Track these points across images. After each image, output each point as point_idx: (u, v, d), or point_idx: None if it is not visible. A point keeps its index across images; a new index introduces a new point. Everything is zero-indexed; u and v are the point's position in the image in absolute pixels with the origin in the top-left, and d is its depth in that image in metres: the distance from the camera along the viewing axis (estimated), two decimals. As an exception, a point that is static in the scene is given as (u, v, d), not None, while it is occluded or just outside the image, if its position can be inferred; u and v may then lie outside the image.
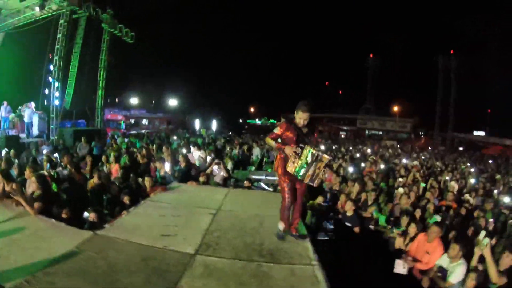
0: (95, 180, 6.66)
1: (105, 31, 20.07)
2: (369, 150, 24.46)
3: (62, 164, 8.37)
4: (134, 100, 43.86)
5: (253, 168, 12.24)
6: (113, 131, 23.57)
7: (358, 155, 18.97)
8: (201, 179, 7.71)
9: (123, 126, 30.36)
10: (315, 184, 4.00)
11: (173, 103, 49.47)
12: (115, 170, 8.56)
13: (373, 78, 57.60)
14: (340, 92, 63.84)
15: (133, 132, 28.03)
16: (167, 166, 8.14)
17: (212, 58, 56.15)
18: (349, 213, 6.40)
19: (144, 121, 41.27)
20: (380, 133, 54.36)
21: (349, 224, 6.27)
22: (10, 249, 3.59)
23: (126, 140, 16.90)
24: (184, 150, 11.32)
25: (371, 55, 57.33)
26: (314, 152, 3.79)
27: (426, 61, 47.86)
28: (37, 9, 15.53)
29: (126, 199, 5.75)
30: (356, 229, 6.18)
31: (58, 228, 4.29)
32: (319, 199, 7.11)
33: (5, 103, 16.20)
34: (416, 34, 49.91)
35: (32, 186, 5.38)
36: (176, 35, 47.86)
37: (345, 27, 61.57)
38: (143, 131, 30.80)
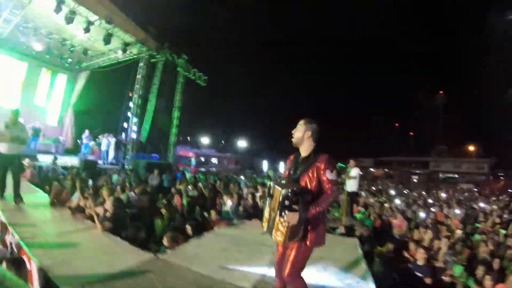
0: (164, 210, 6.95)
1: (180, 74, 21.42)
2: (443, 195, 22.84)
3: (134, 190, 8.82)
4: (204, 140, 45.75)
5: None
6: (184, 167, 24.45)
7: (431, 200, 17.81)
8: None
9: (193, 163, 31.41)
10: (273, 237, 2.78)
11: (241, 144, 50.93)
12: (179, 202, 8.82)
13: (444, 116, 54.71)
14: (411, 134, 61.40)
15: (202, 169, 29.01)
16: (231, 203, 8.18)
17: (280, 101, 57.52)
18: (420, 262, 5.84)
19: (213, 160, 42.43)
20: (455, 176, 50.42)
21: (419, 275, 5.69)
22: (73, 257, 3.86)
23: (196, 175, 17.52)
24: (250, 189, 11.41)
25: (440, 92, 54.87)
26: (271, 184, 2.92)
27: (500, 94, 43.89)
28: (120, 52, 16.99)
29: (189, 229, 5.85)
30: (428, 280, 5.57)
31: (122, 246, 4.52)
32: (388, 246, 6.70)
33: (86, 131, 17.79)
34: (486, 65, 46.85)
35: (106, 205, 5.75)
36: (246, 79, 50.07)
37: (412, 64, 60.57)
38: (212, 169, 31.76)
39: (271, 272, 3.96)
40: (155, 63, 20.06)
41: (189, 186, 11.18)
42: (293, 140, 3.05)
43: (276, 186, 2.79)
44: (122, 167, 16.23)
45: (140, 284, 3.37)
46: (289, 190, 2.64)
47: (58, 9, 12.62)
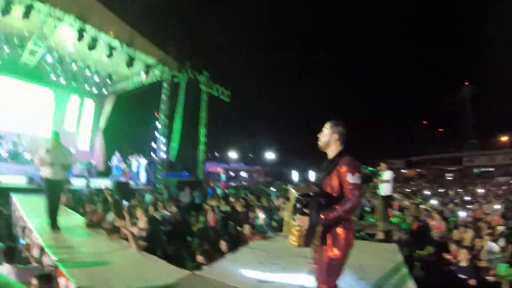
0: (199, 225, 6.99)
1: (203, 91, 21.82)
2: (480, 190, 22.02)
3: (167, 208, 8.96)
4: (232, 154, 46.06)
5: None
6: (214, 183, 24.68)
7: (468, 197, 17.21)
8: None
9: (223, 178, 31.59)
10: (288, 241, 2.73)
11: (270, 156, 50.96)
12: (213, 218, 8.85)
13: (473, 108, 52.76)
14: (441, 130, 59.49)
15: (232, 184, 29.17)
16: (263, 216, 8.07)
17: (306, 109, 57.33)
18: (463, 263, 5.52)
19: (243, 174, 42.57)
20: (491, 169, 47.84)
21: (463, 276, 5.38)
22: (111, 276, 3.94)
23: (226, 191, 17.68)
24: (281, 200, 11.35)
25: (466, 84, 53.07)
26: (289, 187, 2.84)
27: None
28: (143, 75, 17.52)
29: (223, 245, 5.84)
30: (472, 282, 5.23)
31: (158, 264, 4.57)
32: (428, 249, 6.48)
33: (117, 153, 18.34)
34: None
35: (141, 224, 5.84)
36: (268, 91, 50.35)
37: (435, 57, 58.99)
38: (242, 183, 31.85)
39: (308, 283, 3.89)
40: (178, 82, 20.46)
41: (221, 201, 11.25)
42: (320, 144, 2.94)
43: (291, 189, 2.71)
44: (154, 186, 16.51)
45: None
46: (301, 193, 2.58)
47: (80, 37, 13.18)
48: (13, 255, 4.33)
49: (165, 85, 18.52)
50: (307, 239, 2.59)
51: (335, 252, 2.65)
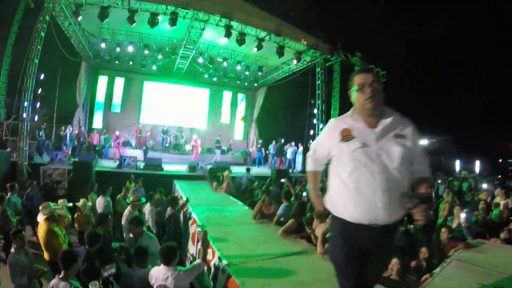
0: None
1: (358, 73, 20.65)
2: None
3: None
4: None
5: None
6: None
7: None
8: (503, 235, 5.72)
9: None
10: None
11: (424, 143, 46.70)
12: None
13: None
14: None
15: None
16: (465, 216, 6.31)
17: (470, 94, 50.45)
18: None
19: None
20: None
21: None
22: None
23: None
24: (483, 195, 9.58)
25: None
26: None
27: None
28: (293, 62, 17.58)
29: (424, 253, 4.65)
30: None
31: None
32: None
33: (274, 142, 19.02)
34: None
35: (323, 226, 4.88)
36: (425, 71, 45.61)
37: None
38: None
39: None
40: (331, 66, 19.75)
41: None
42: None
43: None
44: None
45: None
46: None
47: (228, 34, 13.77)
48: (173, 256, 3.69)
49: (318, 69, 18.28)
50: None
51: None
